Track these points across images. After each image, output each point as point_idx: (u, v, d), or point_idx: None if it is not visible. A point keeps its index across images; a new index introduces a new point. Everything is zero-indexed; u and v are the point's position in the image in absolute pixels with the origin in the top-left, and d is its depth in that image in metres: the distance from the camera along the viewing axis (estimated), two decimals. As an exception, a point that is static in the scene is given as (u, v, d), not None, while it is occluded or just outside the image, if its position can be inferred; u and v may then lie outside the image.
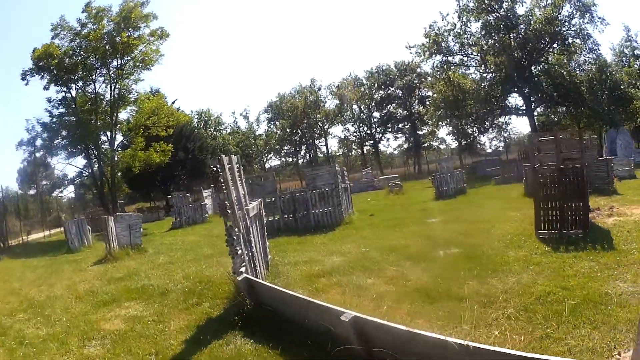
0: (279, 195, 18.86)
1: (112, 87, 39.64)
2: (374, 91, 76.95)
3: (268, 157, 79.30)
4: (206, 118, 74.20)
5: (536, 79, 46.95)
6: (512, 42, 47.42)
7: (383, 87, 76.87)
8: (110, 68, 38.86)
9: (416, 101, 76.53)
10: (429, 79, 67.82)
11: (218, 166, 8.33)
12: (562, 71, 46.66)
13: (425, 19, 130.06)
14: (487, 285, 7.90)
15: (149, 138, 40.41)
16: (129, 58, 38.95)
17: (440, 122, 55.07)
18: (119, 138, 42.41)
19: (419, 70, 73.52)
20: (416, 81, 74.23)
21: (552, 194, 11.87)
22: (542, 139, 18.16)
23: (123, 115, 42.55)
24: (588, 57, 47.28)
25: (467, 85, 52.07)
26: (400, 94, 75.56)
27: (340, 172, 20.44)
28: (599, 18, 45.14)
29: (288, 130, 74.99)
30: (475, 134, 54.13)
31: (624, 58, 48.21)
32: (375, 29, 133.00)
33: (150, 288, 10.73)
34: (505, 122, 57.56)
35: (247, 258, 8.39)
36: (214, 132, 74.13)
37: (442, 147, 79.89)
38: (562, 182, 11.76)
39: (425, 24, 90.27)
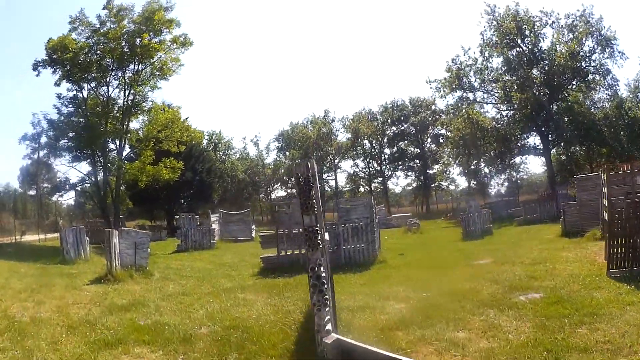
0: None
1: (126, 93, 37.89)
2: (386, 127, 75.76)
3: (274, 187, 77.14)
4: (217, 140, 72.15)
5: (556, 116, 45.52)
6: (535, 78, 46.16)
7: (396, 122, 75.88)
8: (127, 72, 37.26)
9: (429, 139, 75.70)
10: (443, 116, 67.06)
11: (306, 173, 6.20)
12: (582, 109, 45.19)
13: (443, 54, 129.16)
14: (598, 331, 6.95)
15: (158, 152, 38.92)
16: (147, 64, 37.35)
17: (456, 161, 53.08)
18: (127, 149, 40.71)
19: (433, 107, 73.24)
20: (430, 118, 73.59)
21: (627, 229, 10.64)
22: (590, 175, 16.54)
23: (134, 124, 41.04)
24: (606, 93, 46.43)
25: (485, 123, 50.81)
26: (413, 131, 74.19)
27: (374, 206, 18.31)
28: (619, 52, 44.32)
29: (298, 160, 72.52)
30: (492, 173, 52.18)
31: (639, 94, 46.59)
32: (392, 63, 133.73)
33: (167, 329, 8.41)
34: (522, 161, 55.81)
35: (330, 310, 6.15)
36: (223, 156, 72.14)
37: (451, 187, 78.21)
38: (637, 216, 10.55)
39: (443, 59, 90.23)
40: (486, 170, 53.18)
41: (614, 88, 46.02)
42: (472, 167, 57.22)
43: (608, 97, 46.49)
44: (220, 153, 72.02)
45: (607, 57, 44.86)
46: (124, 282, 13.81)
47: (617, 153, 43.32)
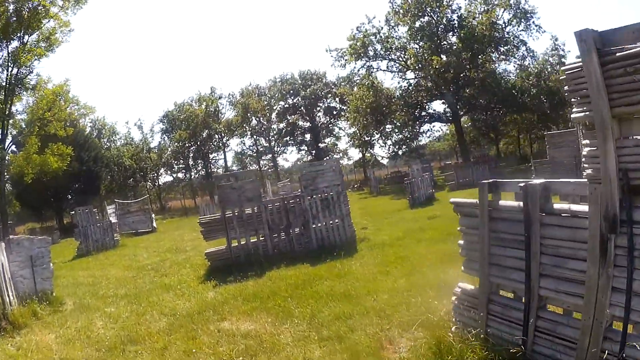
0: (265, 203, 12.14)
1: (10, 70, 31.51)
2: (274, 102, 71.66)
3: (160, 173, 70.21)
4: (100, 126, 63.32)
5: (474, 84, 44.37)
6: (454, 45, 44.53)
7: (286, 96, 72.03)
8: (11, 44, 31.01)
9: (321, 112, 72.33)
10: (335, 88, 66.03)
11: None
12: (497, 78, 45.41)
13: (332, 25, 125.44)
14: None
15: (45, 138, 33.09)
16: (35, 31, 31.40)
17: (362, 130, 50.25)
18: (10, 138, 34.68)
19: (324, 79, 70.99)
20: (321, 91, 70.39)
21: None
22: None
23: (17, 107, 34.85)
24: (523, 63, 46.51)
25: (390, 91, 49.23)
26: (304, 104, 70.69)
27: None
28: (536, 26, 44.05)
29: (186, 142, 66.61)
30: (403, 142, 49.80)
31: (548, 67, 46.68)
32: (279, 36, 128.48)
33: None
34: (430, 129, 54.31)
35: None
36: (108, 143, 64.12)
37: (343, 162, 75.97)
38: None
39: (333, 30, 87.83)
40: (395, 138, 50.42)
41: (528, 59, 46.44)
42: (379, 135, 54.39)
43: (521, 67, 47.10)
44: (105, 140, 63.66)
45: (523, 30, 44.69)
46: (28, 328, 8.31)
47: (549, 119, 45.10)
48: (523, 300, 4.36)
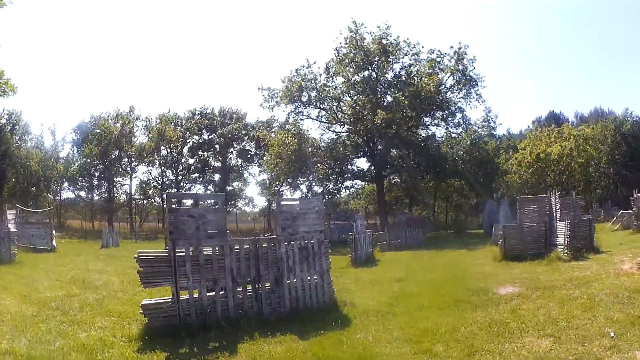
0: (232, 243, 8.65)
1: None
2: (188, 135, 68.16)
3: (63, 186, 63.26)
4: (15, 121, 55.17)
5: (409, 145, 43.70)
6: (388, 103, 43.70)
7: (202, 131, 68.92)
8: None
9: (234, 153, 70.27)
10: (254, 130, 65.02)
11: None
12: (434, 143, 45.50)
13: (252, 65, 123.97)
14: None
15: None
16: None
17: (282, 177, 47.60)
18: None
19: (245, 121, 69.88)
20: (237, 132, 68.31)
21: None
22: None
23: None
24: (455, 131, 46.60)
25: (316, 141, 47.67)
26: (219, 142, 67.85)
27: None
28: (477, 94, 44.35)
29: (95, 160, 60.63)
30: (326, 193, 47.75)
31: (477, 137, 47.04)
32: (205, 69, 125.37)
33: None
34: (352, 185, 52.64)
35: None
36: (19, 142, 56.49)
37: (247, 209, 73.12)
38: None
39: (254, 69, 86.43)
40: (317, 189, 48.24)
41: (463, 127, 46.32)
42: (288, 186, 52.26)
43: (449, 134, 46.96)
44: (17, 137, 55.83)
45: (462, 97, 44.89)
46: None
47: (479, 187, 44.99)
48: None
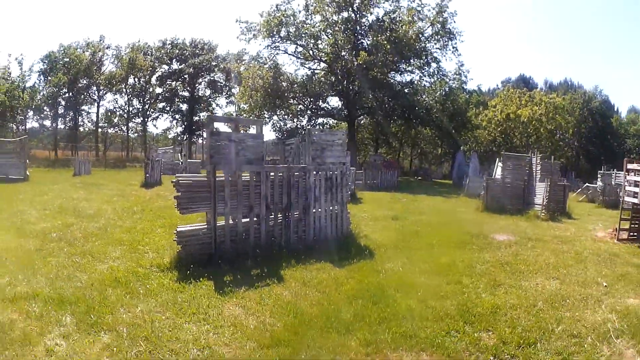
0: (267, 170, 8.72)
1: None
2: (157, 64, 66.23)
3: (27, 116, 61.07)
4: None
5: (387, 89, 43.52)
6: (369, 46, 43.03)
7: (172, 61, 67.38)
8: None
9: (203, 84, 70.02)
10: (223, 62, 64.35)
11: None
12: (410, 89, 45.21)
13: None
14: None
15: None
16: None
17: (257, 109, 46.99)
18: None
19: (216, 52, 68.63)
20: (211, 63, 67.27)
21: None
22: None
23: None
24: (429, 80, 46.46)
25: (292, 77, 46.90)
26: (189, 73, 66.58)
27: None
28: (454, 47, 44.33)
29: (63, 88, 58.37)
30: (304, 127, 47.65)
31: (447, 87, 47.41)
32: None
33: None
34: (324, 123, 52.34)
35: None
36: None
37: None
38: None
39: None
40: (290, 124, 48.05)
41: (437, 77, 46.16)
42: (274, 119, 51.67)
43: (428, 84, 46.83)
44: None
45: (439, 48, 44.72)
46: None
47: (449, 137, 46.22)
48: None
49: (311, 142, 9.44)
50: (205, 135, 9.45)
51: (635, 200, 13.19)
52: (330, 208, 9.67)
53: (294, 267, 7.46)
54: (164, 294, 6.02)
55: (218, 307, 5.67)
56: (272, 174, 8.69)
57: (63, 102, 61.17)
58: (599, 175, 29.11)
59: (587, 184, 31.68)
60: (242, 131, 9.71)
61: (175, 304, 5.69)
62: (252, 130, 9.26)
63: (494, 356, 4.60)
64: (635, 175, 14.21)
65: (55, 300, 5.58)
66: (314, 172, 9.37)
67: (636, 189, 13.82)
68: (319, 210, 9.44)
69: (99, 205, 14.69)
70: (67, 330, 4.67)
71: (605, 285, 7.29)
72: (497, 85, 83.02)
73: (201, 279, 6.60)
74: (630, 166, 14.26)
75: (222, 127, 10.44)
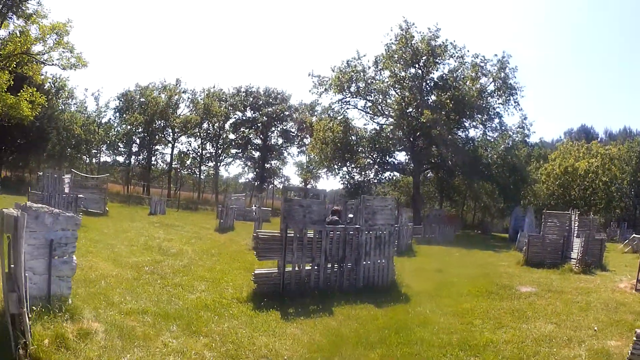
0: (327, 229, 11.16)
1: None
2: (231, 110, 69.79)
3: (101, 150, 65.86)
4: (60, 85, 57.02)
5: (449, 145, 45.18)
6: (446, 104, 44.84)
7: (246, 109, 70.83)
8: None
9: (275, 132, 72.41)
10: (303, 112, 66.67)
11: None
12: (472, 146, 46.87)
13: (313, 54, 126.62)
14: None
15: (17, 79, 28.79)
16: None
17: (326, 162, 49.64)
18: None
19: (288, 102, 71.19)
20: (281, 113, 69.96)
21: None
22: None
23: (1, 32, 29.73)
24: (492, 135, 47.90)
25: (361, 131, 49.45)
26: (262, 121, 69.73)
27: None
28: (516, 102, 45.59)
29: (138, 127, 63.26)
30: (371, 181, 50.14)
31: (510, 142, 48.17)
32: (253, 46, 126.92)
33: None
34: (389, 177, 54.45)
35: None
36: (63, 105, 58.73)
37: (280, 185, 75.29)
38: None
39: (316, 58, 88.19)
40: (357, 177, 50.44)
41: (499, 131, 47.64)
42: (326, 170, 54.08)
43: (485, 137, 48.35)
44: (61, 101, 58.27)
45: (501, 103, 46.25)
46: None
47: (506, 192, 46.69)
48: None
49: (365, 206, 11.74)
50: (281, 200, 11.88)
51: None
52: (378, 261, 11.84)
53: (342, 306, 9.63)
54: (243, 317, 8.22)
55: (282, 327, 7.85)
56: (331, 232, 11.00)
57: (138, 140, 65.27)
58: (649, 225, 29.29)
59: (634, 234, 31.58)
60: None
61: (251, 324, 7.89)
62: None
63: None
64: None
65: (162, 315, 7.61)
66: (366, 232, 11.60)
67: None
68: (368, 262, 11.63)
69: (179, 245, 16.79)
70: (175, 334, 6.91)
71: (596, 330, 8.74)
72: (560, 137, 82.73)
73: (271, 310, 8.74)
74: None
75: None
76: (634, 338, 6.46)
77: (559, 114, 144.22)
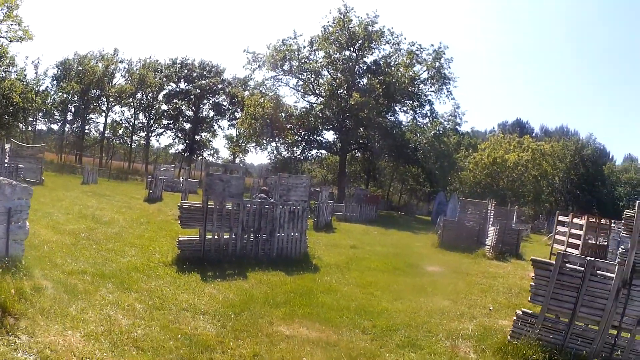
0: (244, 203, 12.23)
1: None
2: (165, 81, 70.66)
3: (37, 118, 64.51)
4: (2, 53, 54.82)
5: (378, 128, 46.77)
6: (363, 86, 46.75)
7: (180, 80, 71.80)
8: None
9: (207, 105, 73.86)
10: (236, 86, 66.78)
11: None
12: (400, 130, 49.19)
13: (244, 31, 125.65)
14: None
15: None
16: None
17: (254, 136, 50.68)
18: None
19: (222, 76, 72.66)
20: (214, 86, 70.98)
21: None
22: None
23: None
24: (422, 121, 50.40)
25: (291, 108, 50.99)
26: (195, 93, 70.44)
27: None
28: (448, 91, 48.21)
29: (74, 96, 63.05)
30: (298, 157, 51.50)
31: (441, 129, 50.52)
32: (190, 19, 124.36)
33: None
34: (317, 155, 56.16)
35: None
36: (3, 73, 56.63)
37: (211, 159, 75.77)
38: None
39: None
40: (284, 153, 51.75)
41: (430, 118, 50.42)
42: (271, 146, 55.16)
43: (415, 123, 51.02)
44: (1, 69, 55.95)
45: (433, 91, 49.06)
46: (27, 319, 5.95)
47: (433, 177, 49.61)
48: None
49: (280, 183, 12.93)
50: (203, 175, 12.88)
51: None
52: (292, 234, 13.02)
53: (256, 272, 10.76)
54: (168, 278, 9.39)
55: (202, 287, 9.06)
56: (248, 205, 12.13)
57: (73, 109, 65.25)
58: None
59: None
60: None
61: (175, 283, 9.05)
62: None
63: (363, 332, 7.64)
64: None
65: (99, 275, 8.72)
66: (280, 207, 12.77)
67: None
68: (282, 234, 12.80)
69: (111, 214, 18.08)
70: (111, 290, 7.91)
71: (491, 309, 9.82)
72: (494, 128, 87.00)
73: (192, 272, 9.92)
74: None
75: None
76: (514, 318, 7.47)
77: (498, 109, 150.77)
